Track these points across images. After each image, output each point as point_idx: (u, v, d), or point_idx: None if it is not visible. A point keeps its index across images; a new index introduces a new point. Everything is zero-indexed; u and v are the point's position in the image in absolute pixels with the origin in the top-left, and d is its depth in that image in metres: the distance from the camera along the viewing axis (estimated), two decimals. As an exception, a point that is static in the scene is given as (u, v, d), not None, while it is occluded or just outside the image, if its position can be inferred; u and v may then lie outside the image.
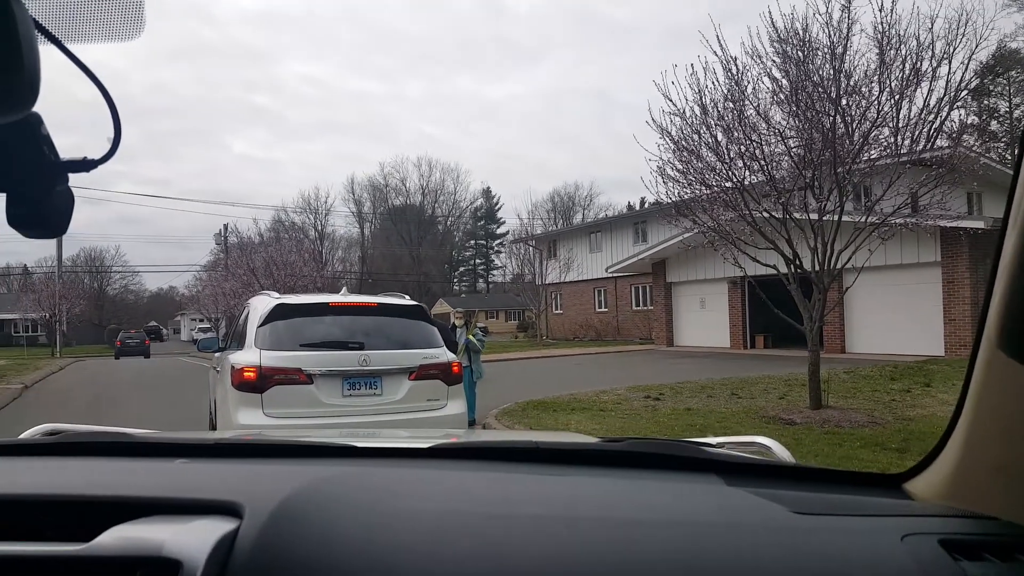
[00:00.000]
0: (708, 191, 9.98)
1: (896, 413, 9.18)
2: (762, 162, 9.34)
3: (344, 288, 7.81)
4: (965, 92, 10.08)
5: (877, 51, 8.72)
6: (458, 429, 5.97)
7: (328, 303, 6.21)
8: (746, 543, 0.89)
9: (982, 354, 0.93)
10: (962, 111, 11.49)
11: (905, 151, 8.90)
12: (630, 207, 59.61)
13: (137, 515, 0.95)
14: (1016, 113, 39.15)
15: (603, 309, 34.59)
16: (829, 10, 8.74)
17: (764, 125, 9.37)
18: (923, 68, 8.62)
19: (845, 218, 9.33)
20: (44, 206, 0.78)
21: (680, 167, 10.03)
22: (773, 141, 9.38)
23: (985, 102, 38.22)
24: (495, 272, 77.14)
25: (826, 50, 8.84)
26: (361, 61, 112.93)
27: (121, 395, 16.26)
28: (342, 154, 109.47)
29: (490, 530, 0.92)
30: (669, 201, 10.80)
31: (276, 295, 6.47)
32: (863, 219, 9.51)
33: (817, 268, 9.36)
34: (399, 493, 1.03)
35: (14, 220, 0.77)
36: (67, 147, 0.77)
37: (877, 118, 8.85)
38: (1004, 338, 0.82)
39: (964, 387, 0.99)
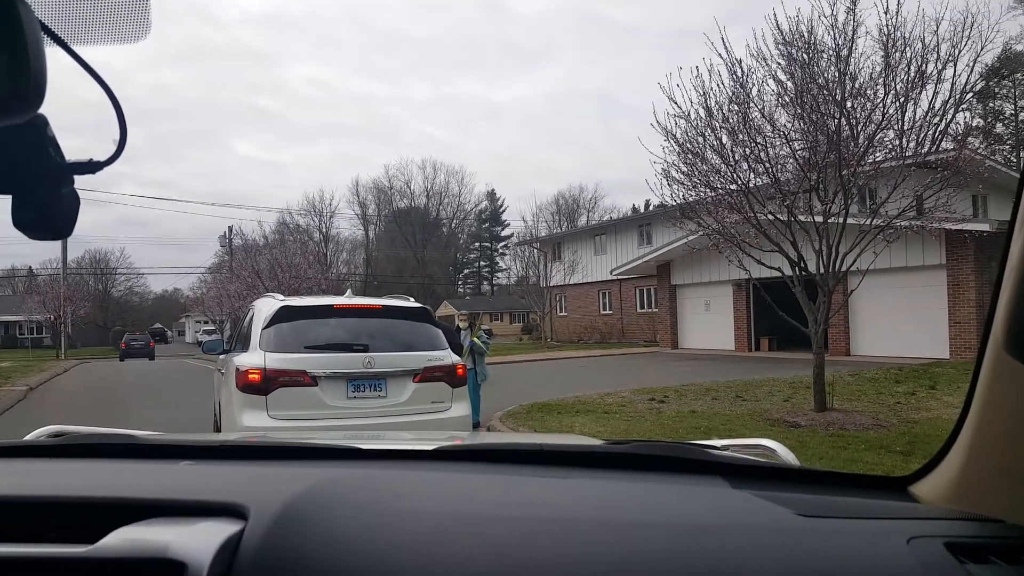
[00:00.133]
0: (713, 193, 9.97)
1: (901, 416, 9.15)
2: (767, 164, 9.33)
3: (348, 290, 7.82)
4: (970, 95, 10.07)
5: (882, 53, 8.71)
6: (462, 431, 5.97)
7: (332, 305, 6.21)
8: (751, 546, 0.89)
9: (988, 357, 0.93)
10: (967, 114, 11.47)
11: (910, 154, 8.88)
12: (635, 209, 59.52)
13: (142, 517, 0.95)
14: (1021, 116, 39.06)
15: (607, 311, 34.56)
16: (834, 12, 8.76)
17: (769, 127, 9.36)
18: (928, 71, 8.61)
19: (850, 220, 9.32)
20: (50, 208, 0.78)
21: (685, 169, 10.02)
22: (778, 143, 9.36)
23: (990, 105, 38.17)
24: (499, 274, 77.10)
25: (831, 52, 8.83)
26: (364, 63, 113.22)
27: (125, 397, 16.30)
28: (346, 156, 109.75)
29: (494, 532, 0.92)
30: (674, 203, 10.79)
31: (281, 297, 6.48)
32: (868, 222, 9.49)
33: (822, 271, 9.34)
34: (403, 495, 1.03)
35: (20, 222, 0.77)
36: (72, 149, 0.78)
37: (882, 120, 8.84)
38: (1011, 341, 0.82)
39: (970, 390, 0.98)
